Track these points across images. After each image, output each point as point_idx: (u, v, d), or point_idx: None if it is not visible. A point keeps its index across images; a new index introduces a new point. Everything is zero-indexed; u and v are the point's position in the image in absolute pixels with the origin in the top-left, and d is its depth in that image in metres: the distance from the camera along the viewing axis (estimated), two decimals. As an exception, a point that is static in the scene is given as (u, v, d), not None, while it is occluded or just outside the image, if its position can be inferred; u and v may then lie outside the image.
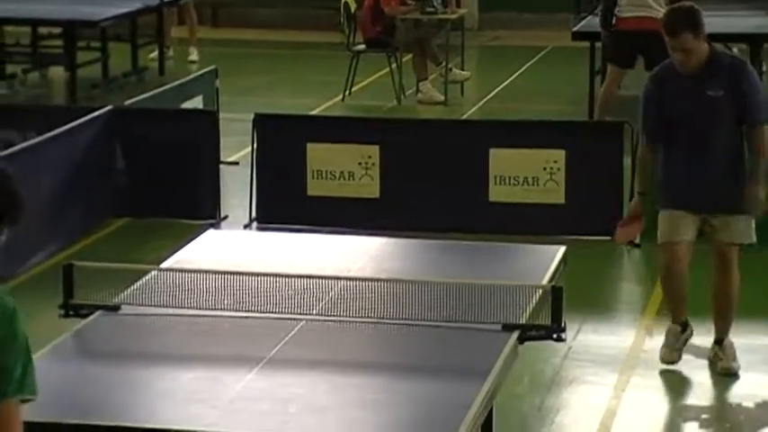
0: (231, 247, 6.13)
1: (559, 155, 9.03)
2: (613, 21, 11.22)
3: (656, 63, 11.33)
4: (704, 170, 6.46)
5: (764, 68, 13.67)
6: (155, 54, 14.51)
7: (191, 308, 5.15)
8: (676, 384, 6.74)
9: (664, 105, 6.55)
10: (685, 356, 7.08)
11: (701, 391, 6.65)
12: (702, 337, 6.99)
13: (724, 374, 6.69)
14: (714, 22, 12.51)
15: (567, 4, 13.98)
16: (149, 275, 5.40)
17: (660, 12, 11.11)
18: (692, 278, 6.68)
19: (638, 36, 11.00)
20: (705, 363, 6.95)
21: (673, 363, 6.81)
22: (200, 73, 10.96)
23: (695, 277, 6.73)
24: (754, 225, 6.61)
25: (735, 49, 13.50)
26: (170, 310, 5.15)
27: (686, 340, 6.87)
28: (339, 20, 13.44)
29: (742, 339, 7.10)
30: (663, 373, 6.82)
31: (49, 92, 13.81)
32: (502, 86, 13.86)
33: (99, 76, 13.46)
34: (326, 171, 9.29)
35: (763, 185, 6.47)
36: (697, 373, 6.84)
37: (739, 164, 6.50)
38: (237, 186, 9.74)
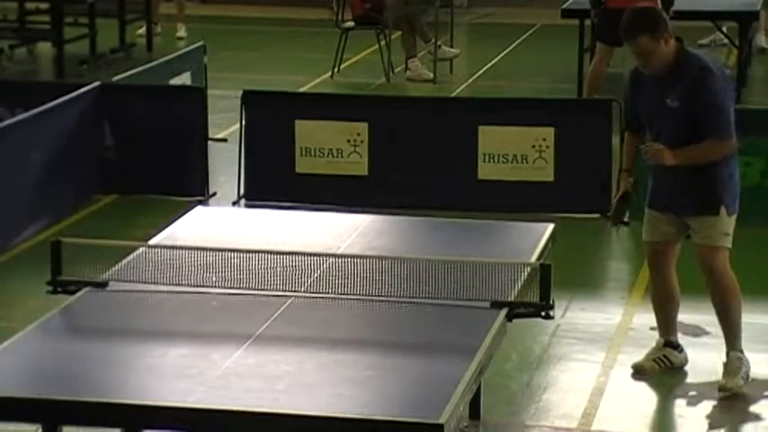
0: (219, 223, 6.12)
1: (548, 132, 9.03)
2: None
3: None
4: (668, 172, 6.26)
5: (754, 47, 13.68)
6: (142, 30, 14.47)
7: (179, 284, 5.15)
8: (664, 362, 6.75)
9: (634, 104, 6.43)
10: (673, 334, 7.10)
11: (690, 367, 6.66)
12: (690, 315, 7.00)
13: (720, 390, 6.32)
14: (702, 0, 12.57)
15: (556, -18, 13.95)
16: (137, 252, 5.39)
17: None
18: (678, 257, 6.67)
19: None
20: (693, 339, 6.96)
21: (640, 370, 6.53)
22: (188, 49, 10.93)
23: (678, 254, 6.72)
24: (726, 228, 6.26)
25: (724, 28, 13.55)
26: (158, 287, 5.14)
27: (668, 359, 6.56)
28: (328, -4, 13.41)
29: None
30: (650, 349, 6.82)
31: (36, 68, 13.76)
32: (491, 64, 13.84)
33: (87, 52, 13.40)
34: (315, 148, 9.27)
35: (674, 155, 6.13)
36: (685, 350, 6.85)
37: (704, 168, 6.22)
38: (226, 163, 9.72)
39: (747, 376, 6.38)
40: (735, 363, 6.39)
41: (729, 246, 6.34)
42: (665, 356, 6.60)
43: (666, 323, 6.62)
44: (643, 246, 6.59)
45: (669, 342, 6.61)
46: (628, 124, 6.60)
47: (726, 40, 13.77)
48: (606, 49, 11.23)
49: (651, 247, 6.51)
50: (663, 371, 6.56)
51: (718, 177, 6.27)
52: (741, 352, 6.40)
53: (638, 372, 6.56)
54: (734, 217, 6.35)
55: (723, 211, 6.28)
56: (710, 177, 6.27)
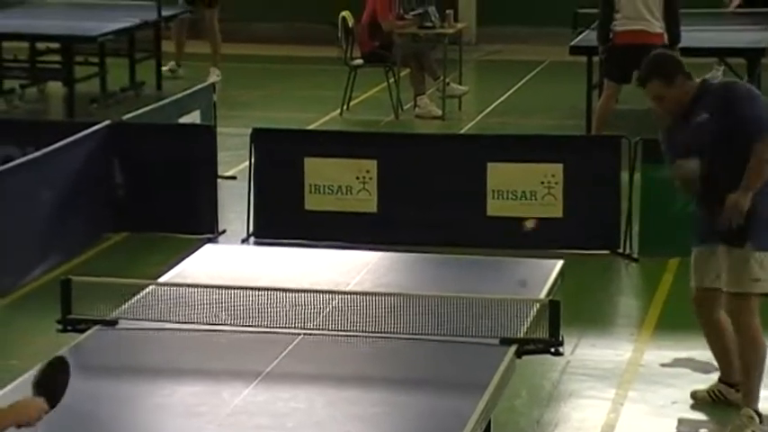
0: (229, 261, 6.13)
1: (557, 169, 9.03)
2: (610, 35, 11.24)
3: None
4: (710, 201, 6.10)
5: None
6: (171, 65, 14.44)
7: (188, 322, 5.15)
8: (674, 398, 6.73)
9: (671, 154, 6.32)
10: (683, 370, 7.08)
11: (699, 405, 6.64)
12: (700, 351, 6.99)
13: None
14: (709, 36, 12.60)
15: (564, 19, 13.99)
16: (147, 290, 5.40)
17: (656, 25, 11.11)
18: (686, 292, 6.64)
19: (633, 50, 11.00)
20: (703, 376, 6.94)
21: (693, 396, 6.53)
22: (197, 88, 10.97)
23: (689, 291, 6.68)
24: (756, 268, 5.96)
25: (721, 70, 13.58)
26: (168, 325, 5.15)
27: (722, 394, 6.46)
28: (337, 34, 13.45)
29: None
30: (661, 387, 6.81)
31: (47, 107, 13.82)
32: (499, 101, 13.87)
33: (97, 90, 13.46)
34: (324, 185, 9.29)
35: (743, 196, 5.96)
36: (695, 386, 6.83)
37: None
38: (235, 201, 9.74)
39: None
40: (742, 419, 6.22)
41: (761, 292, 6.13)
42: (719, 391, 6.53)
43: (718, 362, 6.56)
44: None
45: (722, 380, 6.54)
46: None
47: (722, 77, 13.81)
48: (614, 86, 11.26)
49: (698, 295, 6.36)
50: (715, 403, 6.52)
51: (752, 209, 6.03)
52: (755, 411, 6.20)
53: (692, 397, 6.58)
54: (766, 257, 6.07)
55: (748, 245, 6.03)
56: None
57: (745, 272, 6.04)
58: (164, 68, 14.42)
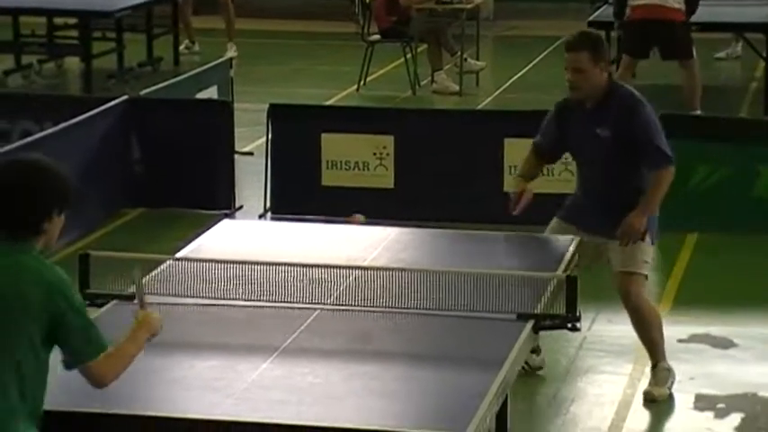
0: (246, 237, 6.14)
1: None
2: (626, 10, 11.19)
3: (670, 52, 11.25)
4: (601, 196, 6.34)
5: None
6: (186, 43, 14.44)
7: (206, 297, 5.17)
8: (692, 374, 6.73)
9: (557, 131, 6.50)
10: (700, 345, 7.08)
11: (717, 380, 6.63)
12: (718, 327, 6.98)
13: (646, 399, 6.41)
14: (728, 11, 12.53)
15: (582, -6, 13.97)
16: (164, 265, 5.41)
17: (672, 1, 11.05)
18: (704, 268, 6.64)
19: (649, 25, 10.95)
20: (720, 352, 6.94)
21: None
22: (214, 63, 10.97)
23: (706, 266, 6.70)
24: (647, 256, 6.32)
25: (739, 46, 13.50)
26: (185, 300, 5.16)
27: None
28: (354, 10, 13.42)
29: (758, 329, 7.09)
30: (678, 362, 6.81)
31: (64, 82, 13.84)
32: (517, 76, 13.84)
33: (114, 66, 13.47)
34: (341, 161, 9.29)
35: (641, 216, 6.21)
36: (713, 362, 6.84)
37: (635, 196, 6.26)
38: (252, 176, 9.75)
39: (672, 384, 6.46)
40: (662, 373, 6.47)
41: (648, 273, 6.42)
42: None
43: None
44: None
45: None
46: (540, 142, 6.63)
47: (740, 53, 13.75)
48: (630, 60, 11.24)
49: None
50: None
51: None
52: (667, 362, 6.49)
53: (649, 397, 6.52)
54: (653, 248, 6.40)
55: (648, 239, 6.31)
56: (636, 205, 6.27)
57: (639, 255, 6.34)
58: (180, 48, 14.40)
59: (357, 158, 9.26)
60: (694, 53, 11.22)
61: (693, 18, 11.22)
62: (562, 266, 5.60)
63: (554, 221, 6.58)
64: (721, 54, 13.98)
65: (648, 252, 6.38)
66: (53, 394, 4.11)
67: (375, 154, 9.26)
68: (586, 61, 6.24)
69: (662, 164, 6.25)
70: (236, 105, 9.89)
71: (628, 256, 6.32)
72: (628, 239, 6.25)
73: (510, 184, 9.08)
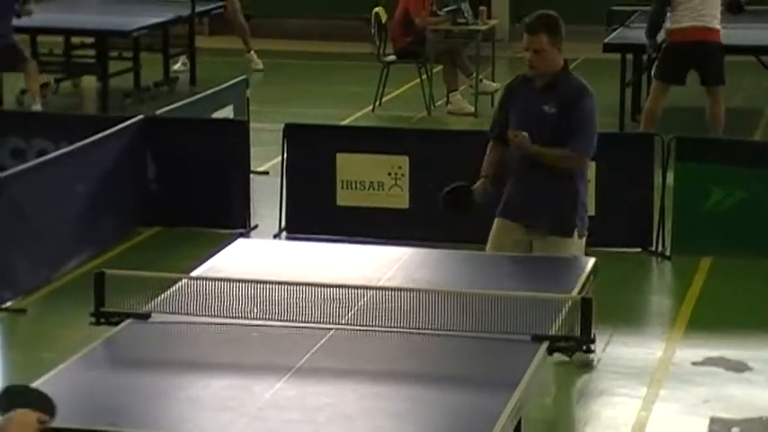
0: (261, 256, 6.15)
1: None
2: (661, 34, 10.58)
3: (713, 77, 10.84)
4: (528, 182, 6.63)
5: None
6: (178, 66, 14.52)
7: (220, 316, 5.17)
8: (706, 397, 6.71)
9: (507, 111, 6.78)
10: (715, 368, 7.05)
11: (731, 404, 6.61)
12: (732, 350, 6.96)
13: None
14: (746, 34, 12.50)
15: (598, 16, 13.94)
16: (179, 284, 5.42)
17: (716, 21, 10.30)
18: (718, 291, 6.64)
19: (691, 47, 10.32)
20: (735, 375, 6.92)
21: None
22: (230, 83, 11.01)
23: (721, 290, 6.69)
24: (576, 251, 6.51)
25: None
26: (200, 319, 5.17)
27: None
28: (370, 30, 13.46)
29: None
30: (692, 385, 6.80)
31: (81, 101, 13.89)
32: (532, 98, 13.83)
33: (131, 85, 13.53)
34: (356, 181, 9.30)
35: (533, 148, 6.58)
36: (727, 385, 6.82)
37: (563, 184, 6.60)
38: (267, 196, 9.77)
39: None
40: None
41: None
42: None
43: None
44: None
45: None
46: (491, 130, 6.95)
47: None
48: (663, 87, 10.71)
49: None
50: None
51: (575, 197, 6.62)
52: None
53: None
54: (584, 240, 6.62)
55: (575, 233, 6.54)
56: (568, 196, 6.60)
57: (568, 252, 6.54)
58: (175, 66, 14.46)
59: (372, 178, 9.27)
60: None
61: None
62: (577, 288, 5.59)
63: (496, 222, 6.78)
64: None
65: (578, 246, 6.59)
66: (65, 412, 4.12)
67: (390, 174, 9.27)
68: (545, 43, 6.65)
69: (580, 147, 6.60)
70: (251, 125, 9.91)
71: (555, 251, 6.50)
72: (514, 137, 6.59)
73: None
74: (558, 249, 6.53)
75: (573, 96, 6.63)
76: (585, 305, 5.06)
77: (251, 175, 9.68)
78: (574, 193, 6.64)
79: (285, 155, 9.40)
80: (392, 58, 13.20)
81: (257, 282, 5.30)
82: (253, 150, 9.71)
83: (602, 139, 9.65)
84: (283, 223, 9.35)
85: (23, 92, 12.83)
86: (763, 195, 8.84)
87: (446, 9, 13.26)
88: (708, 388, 6.81)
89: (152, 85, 13.77)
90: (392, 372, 4.84)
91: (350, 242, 7.42)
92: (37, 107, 12.11)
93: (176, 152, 9.51)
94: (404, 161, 9.26)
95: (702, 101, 11.05)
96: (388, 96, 13.34)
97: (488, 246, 6.75)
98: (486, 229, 8.98)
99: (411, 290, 5.38)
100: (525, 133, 6.60)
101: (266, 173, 10.42)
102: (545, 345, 4.98)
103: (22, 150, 9.70)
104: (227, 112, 10.55)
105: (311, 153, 9.43)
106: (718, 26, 10.56)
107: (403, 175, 9.25)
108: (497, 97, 6.93)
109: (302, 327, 5.10)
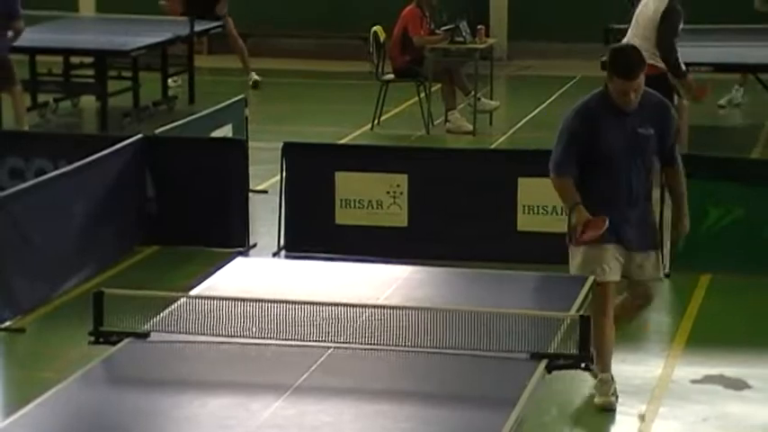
0: (260, 274, 6.15)
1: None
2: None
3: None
4: (632, 207, 6.63)
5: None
6: (171, 80, 14.55)
7: (219, 335, 5.17)
8: (705, 415, 6.70)
9: (592, 140, 6.63)
10: (714, 386, 7.05)
11: (730, 421, 6.61)
12: (732, 368, 6.96)
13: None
14: (738, 52, 12.52)
15: (595, 34, 13.98)
16: (178, 303, 5.42)
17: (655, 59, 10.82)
18: (717, 308, 6.64)
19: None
20: (734, 393, 6.91)
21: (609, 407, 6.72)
22: (229, 102, 11.03)
23: (720, 307, 6.69)
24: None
25: (740, 93, 13.39)
26: (199, 338, 5.17)
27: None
28: (368, 49, 13.49)
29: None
30: (692, 403, 6.79)
31: (80, 121, 13.91)
32: (530, 116, 13.87)
33: (130, 104, 13.55)
34: (355, 200, 9.31)
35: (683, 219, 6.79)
36: (726, 403, 6.81)
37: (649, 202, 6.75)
38: (266, 214, 9.78)
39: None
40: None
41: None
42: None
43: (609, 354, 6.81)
44: (596, 289, 6.34)
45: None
46: (570, 167, 6.73)
47: (740, 100, 13.66)
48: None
49: (611, 288, 6.64)
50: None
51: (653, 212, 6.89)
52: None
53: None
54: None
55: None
56: (652, 212, 6.83)
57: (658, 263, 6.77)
58: (169, 81, 14.48)
59: (371, 197, 9.28)
60: (675, 99, 10.93)
61: (707, 59, 11.04)
62: (575, 306, 5.60)
63: (601, 250, 6.58)
64: (722, 101, 13.83)
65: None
66: (64, 431, 4.12)
67: (389, 192, 9.28)
68: (642, 79, 6.60)
69: (678, 161, 6.72)
70: (250, 144, 9.92)
71: (657, 263, 6.72)
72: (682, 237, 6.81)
73: (524, 223, 9.12)
74: (652, 261, 6.70)
75: (657, 112, 6.65)
76: (584, 323, 5.06)
77: (250, 194, 9.69)
78: (652, 209, 6.90)
79: (284, 173, 9.41)
80: (391, 76, 13.22)
81: (256, 300, 5.31)
82: (252, 169, 9.72)
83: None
84: (282, 242, 9.36)
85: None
86: (761, 213, 8.84)
87: (444, 28, 13.29)
88: (707, 406, 6.80)
89: (151, 104, 13.79)
90: (391, 390, 4.84)
91: (349, 261, 7.41)
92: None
93: (175, 171, 9.52)
94: (403, 179, 9.27)
95: (699, 119, 11.11)
96: (387, 115, 13.36)
97: (605, 275, 6.58)
98: (484, 247, 9.01)
99: (410, 308, 5.38)
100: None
101: (265, 191, 10.43)
102: (544, 362, 4.98)
103: (21, 170, 9.71)
104: (225, 131, 10.56)
105: (310, 171, 9.44)
106: (651, 60, 10.81)
107: (402, 193, 9.26)
108: (571, 124, 6.85)
109: (301, 345, 5.10)
